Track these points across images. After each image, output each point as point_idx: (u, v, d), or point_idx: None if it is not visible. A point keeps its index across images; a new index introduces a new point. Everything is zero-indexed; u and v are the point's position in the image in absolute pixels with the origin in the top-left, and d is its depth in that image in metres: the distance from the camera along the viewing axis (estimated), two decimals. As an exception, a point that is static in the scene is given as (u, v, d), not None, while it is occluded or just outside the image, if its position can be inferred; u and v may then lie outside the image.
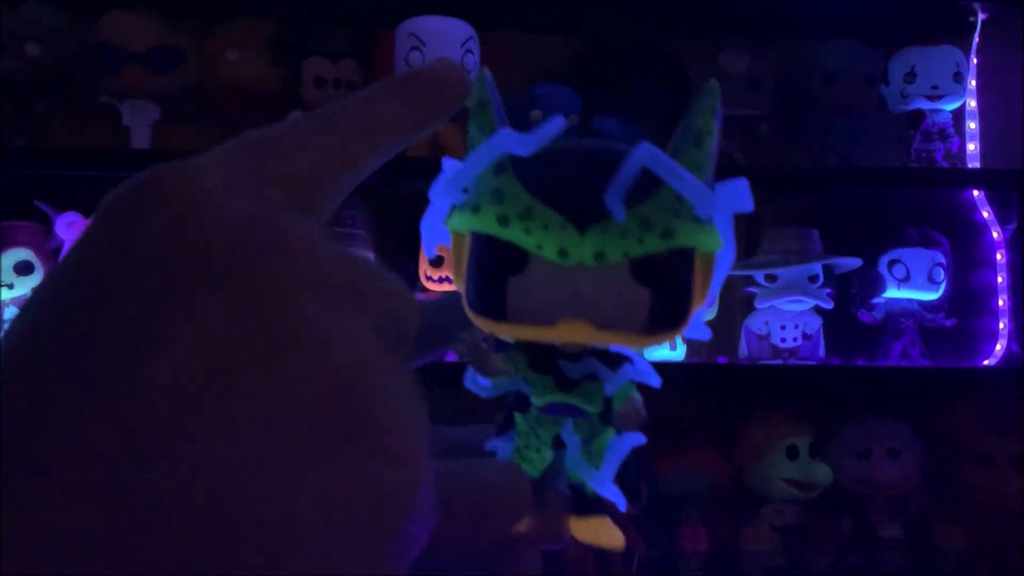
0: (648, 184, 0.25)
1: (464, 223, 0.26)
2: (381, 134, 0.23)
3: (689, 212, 0.25)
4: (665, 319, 0.26)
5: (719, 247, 0.26)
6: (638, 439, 0.29)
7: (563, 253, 0.25)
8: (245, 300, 0.17)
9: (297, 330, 0.17)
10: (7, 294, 1.28)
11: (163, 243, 0.17)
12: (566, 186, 0.26)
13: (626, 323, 0.25)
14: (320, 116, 0.22)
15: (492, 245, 0.26)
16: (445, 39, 1.29)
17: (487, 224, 0.25)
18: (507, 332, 0.26)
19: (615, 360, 0.28)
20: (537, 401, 0.28)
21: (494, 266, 0.26)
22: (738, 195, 0.26)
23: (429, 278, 1.32)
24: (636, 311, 0.25)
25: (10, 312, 1.27)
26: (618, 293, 0.25)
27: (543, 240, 0.25)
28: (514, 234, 0.25)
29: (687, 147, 0.26)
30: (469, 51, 1.31)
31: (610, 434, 0.29)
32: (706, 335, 0.30)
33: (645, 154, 0.25)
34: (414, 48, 1.29)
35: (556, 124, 0.26)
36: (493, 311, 0.26)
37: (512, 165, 0.26)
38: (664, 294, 0.25)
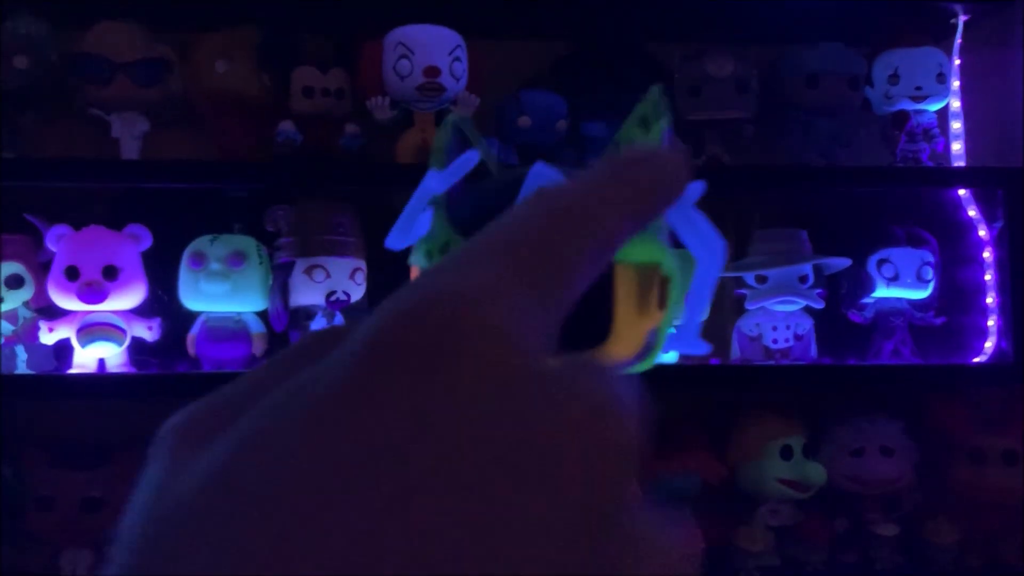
0: None
1: (413, 260, 0.29)
2: (627, 232, 0.22)
3: None
4: (581, 337, 0.26)
5: (655, 256, 0.27)
6: None
7: None
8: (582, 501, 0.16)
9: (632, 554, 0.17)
10: (-3, 308, 1.27)
11: (487, 413, 0.16)
12: (480, 216, 0.26)
13: None
14: (574, 210, 0.20)
15: None
16: (433, 47, 1.30)
17: (418, 259, 0.28)
18: None
19: None
20: None
21: None
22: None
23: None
24: None
25: (4, 327, 1.27)
26: None
27: None
28: None
29: (632, 131, 0.27)
30: (457, 59, 1.31)
31: None
32: (703, 349, 0.30)
33: (538, 175, 0.26)
34: (403, 57, 1.30)
35: (468, 160, 0.29)
36: None
37: (446, 204, 0.29)
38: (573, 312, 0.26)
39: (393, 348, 0.17)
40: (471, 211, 0.27)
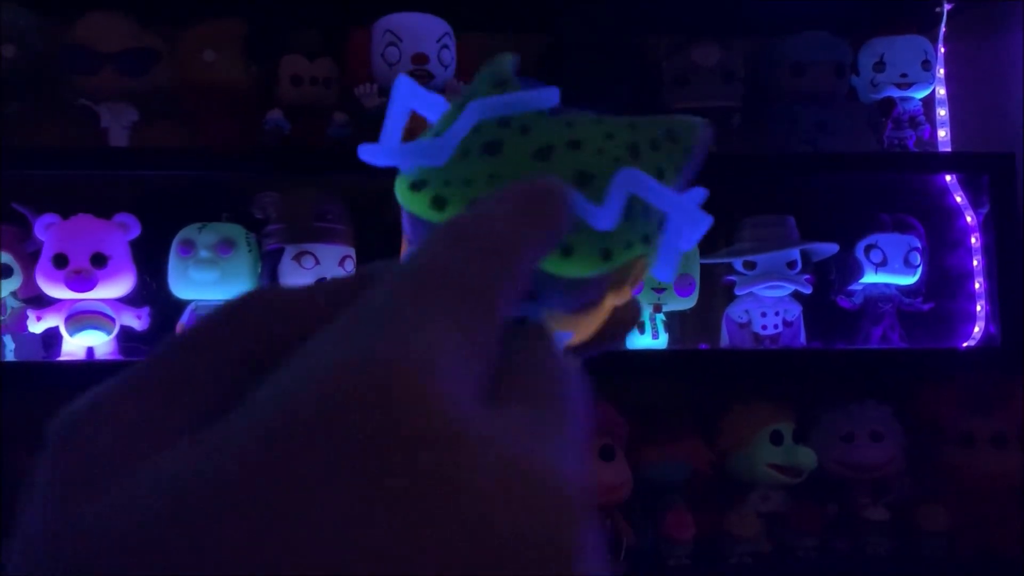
0: None
1: (411, 201, 0.27)
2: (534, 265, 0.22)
3: None
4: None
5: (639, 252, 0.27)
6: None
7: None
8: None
9: None
10: (-15, 297, 1.27)
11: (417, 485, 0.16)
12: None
13: None
14: (495, 249, 0.20)
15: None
16: (421, 34, 1.31)
17: (420, 204, 0.26)
18: None
19: None
20: None
21: None
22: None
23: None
24: None
25: (-11, 316, 1.27)
26: None
27: None
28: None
29: (483, 88, 0.28)
30: (445, 46, 1.32)
31: None
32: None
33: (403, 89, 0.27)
34: (391, 44, 1.31)
35: (535, 97, 0.27)
36: None
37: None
38: None
39: (313, 431, 0.16)
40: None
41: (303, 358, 0.17)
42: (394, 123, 0.28)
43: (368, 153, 0.27)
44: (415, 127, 0.28)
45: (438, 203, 0.26)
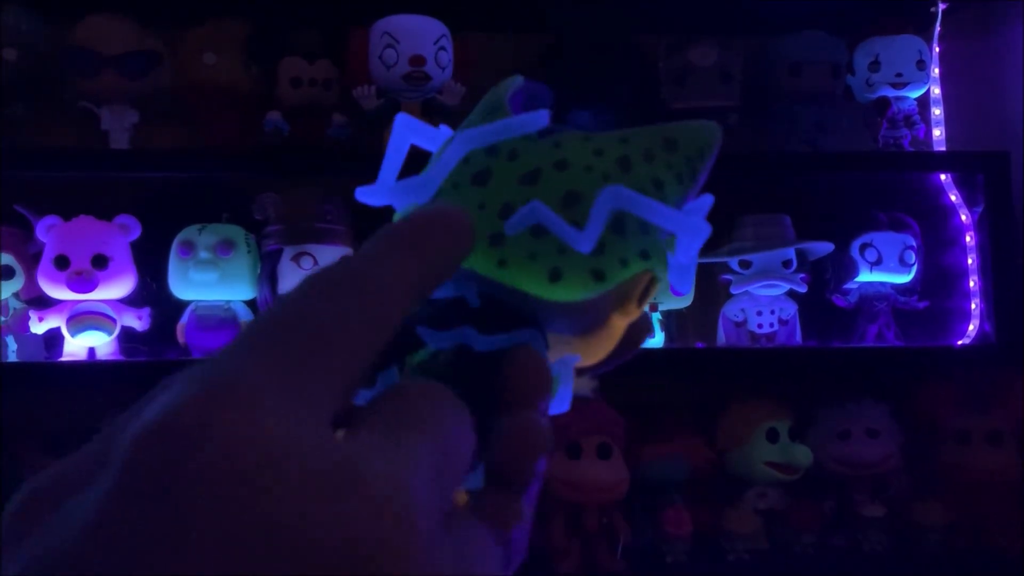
0: None
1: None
2: (408, 300, 0.21)
3: None
4: None
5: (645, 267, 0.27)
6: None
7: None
8: None
9: None
10: (-12, 298, 1.28)
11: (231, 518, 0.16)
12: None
13: None
14: (344, 299, 0.20)
15: None
16: (419, 37, 1.32)
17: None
18: None
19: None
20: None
21: None
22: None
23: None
24: None
25: (-9, 317, 1.28)
26: None
27: None
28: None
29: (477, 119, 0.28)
30: (442, 48, 1.33)
31: None
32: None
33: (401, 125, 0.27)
34: (388, 46, 1.32)
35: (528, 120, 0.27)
36: None
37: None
38: None
39: (145, 474, 0.16)
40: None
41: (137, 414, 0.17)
42: (391, 161, 0.27)
43: (364, 194, 0.27)
44: None
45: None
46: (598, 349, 0.27)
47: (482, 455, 0.22)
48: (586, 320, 0.26)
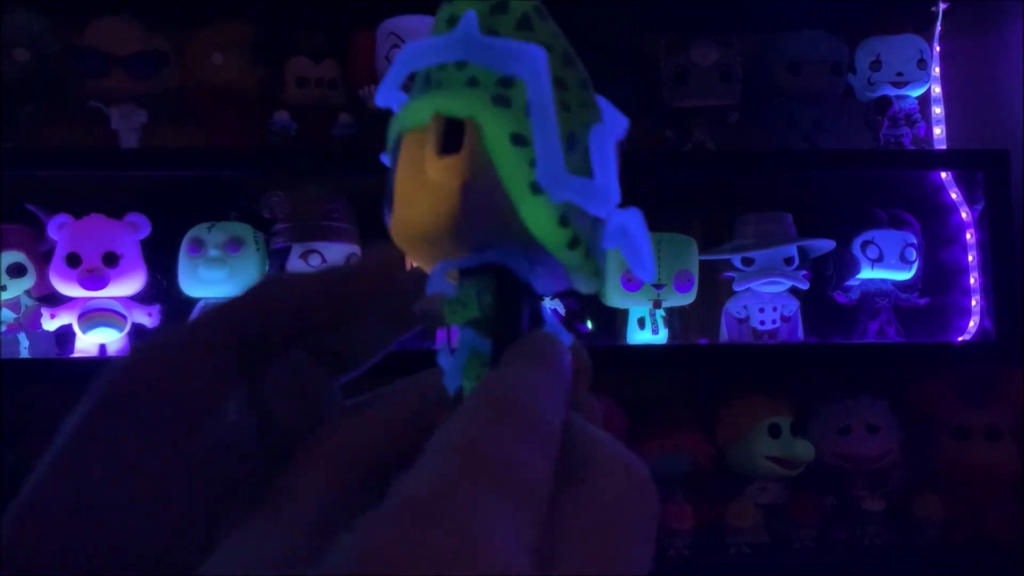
0: None
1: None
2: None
3: None
4: None
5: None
6: None
7: None
8: None
9: None
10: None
11: None
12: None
13: None
14: (528, 420, 0.20)
15: None
16: (423, 37, 1.33)
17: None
18: None
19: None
20: None
21: None
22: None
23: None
24: None
25: (5, 315, 1.30)
26: None
27: None
28: None
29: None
30: (447, 48, 1.34)
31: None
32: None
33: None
34: (395, 46, 1.33)
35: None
36: None
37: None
38: None
39: None
40: None
41: (354, 535, 0.17)
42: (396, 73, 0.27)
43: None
44: None
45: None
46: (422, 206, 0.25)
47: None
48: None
